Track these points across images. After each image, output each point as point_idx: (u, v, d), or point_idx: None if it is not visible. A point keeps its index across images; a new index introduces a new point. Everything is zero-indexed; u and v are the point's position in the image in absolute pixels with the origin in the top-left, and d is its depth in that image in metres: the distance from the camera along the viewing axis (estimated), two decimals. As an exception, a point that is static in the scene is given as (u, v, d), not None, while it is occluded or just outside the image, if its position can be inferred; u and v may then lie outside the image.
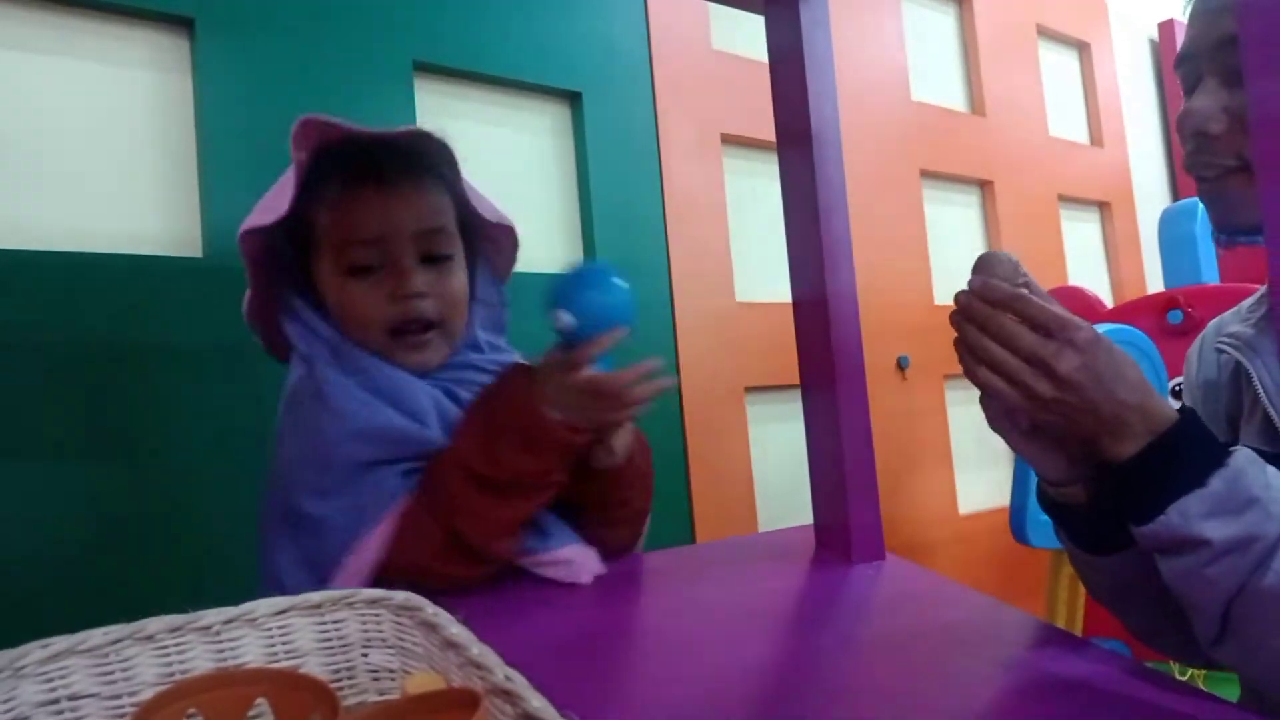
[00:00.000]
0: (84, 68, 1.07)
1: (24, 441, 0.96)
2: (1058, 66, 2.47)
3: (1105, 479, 0.67)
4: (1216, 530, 0.60)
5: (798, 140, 0.87)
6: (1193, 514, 0.60)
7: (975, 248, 2.19)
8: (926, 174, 2.06)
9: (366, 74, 1.26)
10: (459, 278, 0.85)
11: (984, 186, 2.20)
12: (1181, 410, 0.65)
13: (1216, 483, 0.61)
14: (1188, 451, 0.62)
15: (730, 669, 0.60)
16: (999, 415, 0.71)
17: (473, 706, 0.37)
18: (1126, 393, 0.63)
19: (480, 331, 0.90)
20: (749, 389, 1.62)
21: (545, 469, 0.75)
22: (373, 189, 0.80)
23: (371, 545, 0.73)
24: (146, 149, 1.11)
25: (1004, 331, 0.65)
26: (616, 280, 0.79)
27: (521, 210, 1.42)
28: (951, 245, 2.11)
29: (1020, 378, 0.64)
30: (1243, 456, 0.62)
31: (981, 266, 0.69)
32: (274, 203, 0.78)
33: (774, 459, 1.67)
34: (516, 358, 0.89)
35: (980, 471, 2.08)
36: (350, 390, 0.78)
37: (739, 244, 1.67)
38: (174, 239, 1.11)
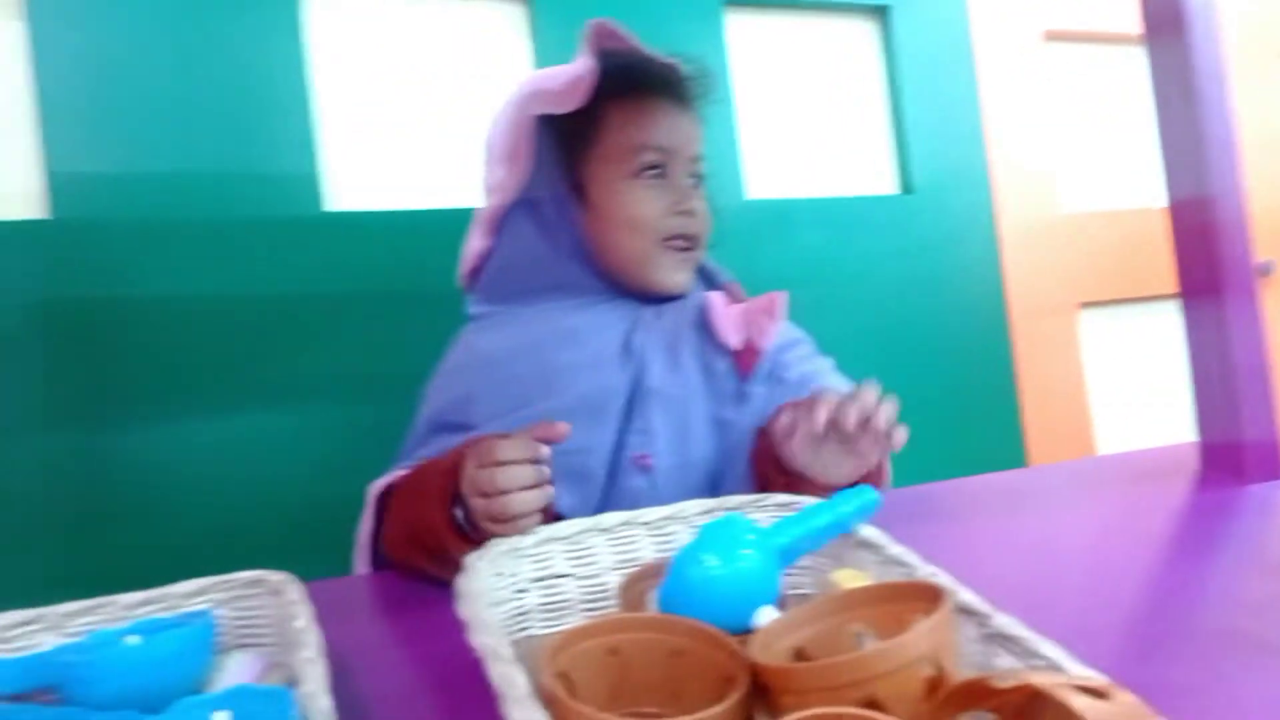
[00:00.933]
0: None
1: None
2: None
3: None
4: None
5: (1172, 28, 0.79)
6: None
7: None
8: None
9: (676, 13, 1.29)
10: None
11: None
12: None
13: None
14: None
15: (1123, 585, 0.59)
16: None
17: (932, 599, 0.39)
18: None
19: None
20: (1084, 304, 1.52)
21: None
22: (669, 104, 0.83)
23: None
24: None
25: None
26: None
27: (836, 132, 1.42)
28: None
29: None
30: None
31: None
32: (556, 98, 0.77)
33: (1111, 379, 1.55)
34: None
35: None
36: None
37: (1066, 151, 1.55)
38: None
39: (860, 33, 1.45)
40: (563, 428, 0.61)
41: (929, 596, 0.40)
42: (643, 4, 1.27)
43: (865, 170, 1.44)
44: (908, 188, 1.43)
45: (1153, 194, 1.02)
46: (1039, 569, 0.62)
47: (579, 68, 0.77)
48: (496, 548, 0.50)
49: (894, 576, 0.48)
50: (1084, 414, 1.50)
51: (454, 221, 0.92)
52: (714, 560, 0.43)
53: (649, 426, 0.79)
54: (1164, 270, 0.86)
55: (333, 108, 1.12)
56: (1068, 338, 1.50)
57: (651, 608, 0.45)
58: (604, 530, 0.53)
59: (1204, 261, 0.78)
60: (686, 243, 0.84)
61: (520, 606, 0.50)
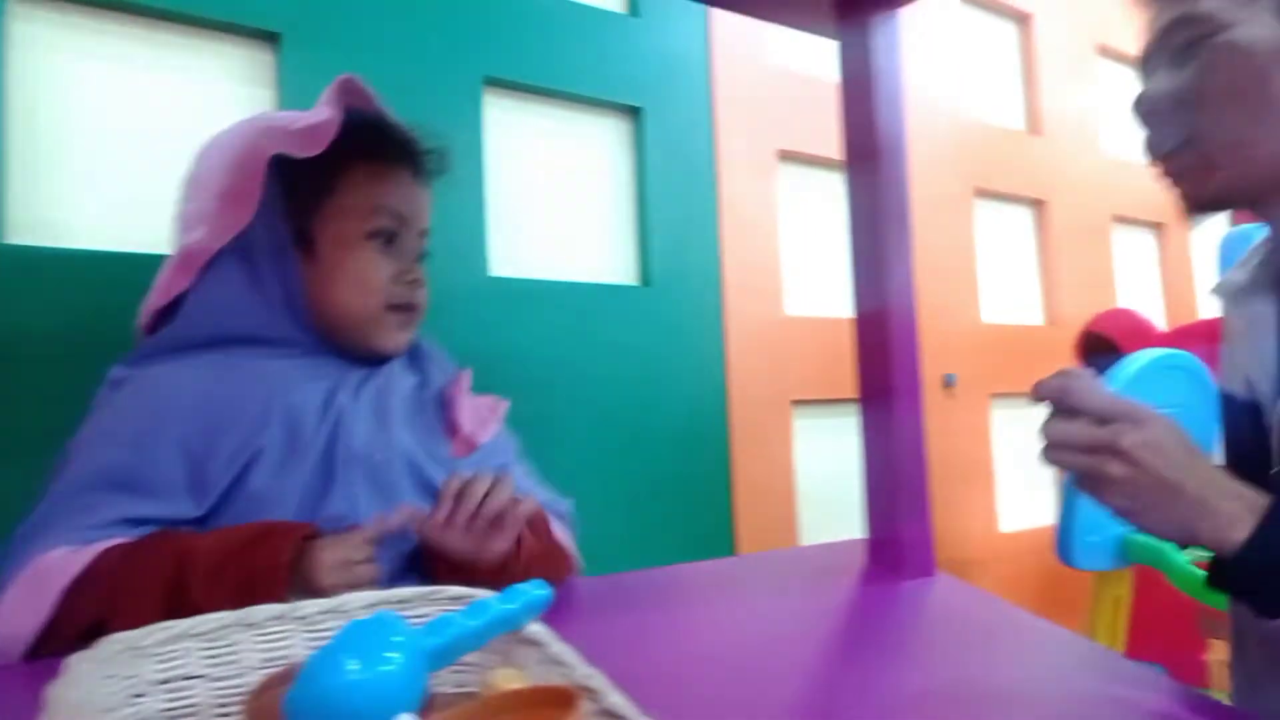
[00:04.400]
0: (172, 78, 1.11)
1: None
2: (1116, 85, 2.45)
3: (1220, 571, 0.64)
4: None
5: (865, 161, 0.89)
6: None
7: (1027, 267, 2.18)
8: (980, 192, 2.05)
9: (438, 89, 1.29)
10: None
11: (1037, 205, 2.20)
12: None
13: None
14: None
15: (786, 681, 0.62)
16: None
17: (568, 704, 0.39)
18: (1204, 469, 0.62)
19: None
20: (795, 402, 1.64)
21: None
22: (408, 173, 0.85)
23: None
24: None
25: (1066, 429, 0.64)
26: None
27: (582, 221, 1.46)
28: (1002, 264, 2.10)
29: (1092, 467, 0.63)
30: None
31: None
32: (297, 140, 0.76)
33: (816, 473, 1.68)
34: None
35: (1022, 491, 2.08)
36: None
37: (789, 259, 1.69)
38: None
39: (614, 129, 1.52)
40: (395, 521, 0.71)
41: (566, 701, 0.40)
42: (403, 72, 1.25)
43: (609, 260, 1.49)
44: (646, 280, 1.49)
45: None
46: (696, 662, 0.64)
47: (321, 115, 0.76)
48: (111, 645, 0.44)
49: (553, 677, 0.48)
50: (791, 507, 1.60)
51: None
52: (353, 664, 0.40)
53: (351, 492, 0.76)
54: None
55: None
56: (781, 433, 1.61)
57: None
58: (250, 625, 0.49)
59: (879, 369, 0.86)
60: (409, 311, 0.85)
61: (135, 714, 0.45)
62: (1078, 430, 0.63)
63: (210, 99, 1.13)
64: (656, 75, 1.52)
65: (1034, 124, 2.21)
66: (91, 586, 0.63)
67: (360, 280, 0.81)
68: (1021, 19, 2.24)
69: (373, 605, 0.51)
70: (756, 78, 1.65)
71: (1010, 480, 2.04)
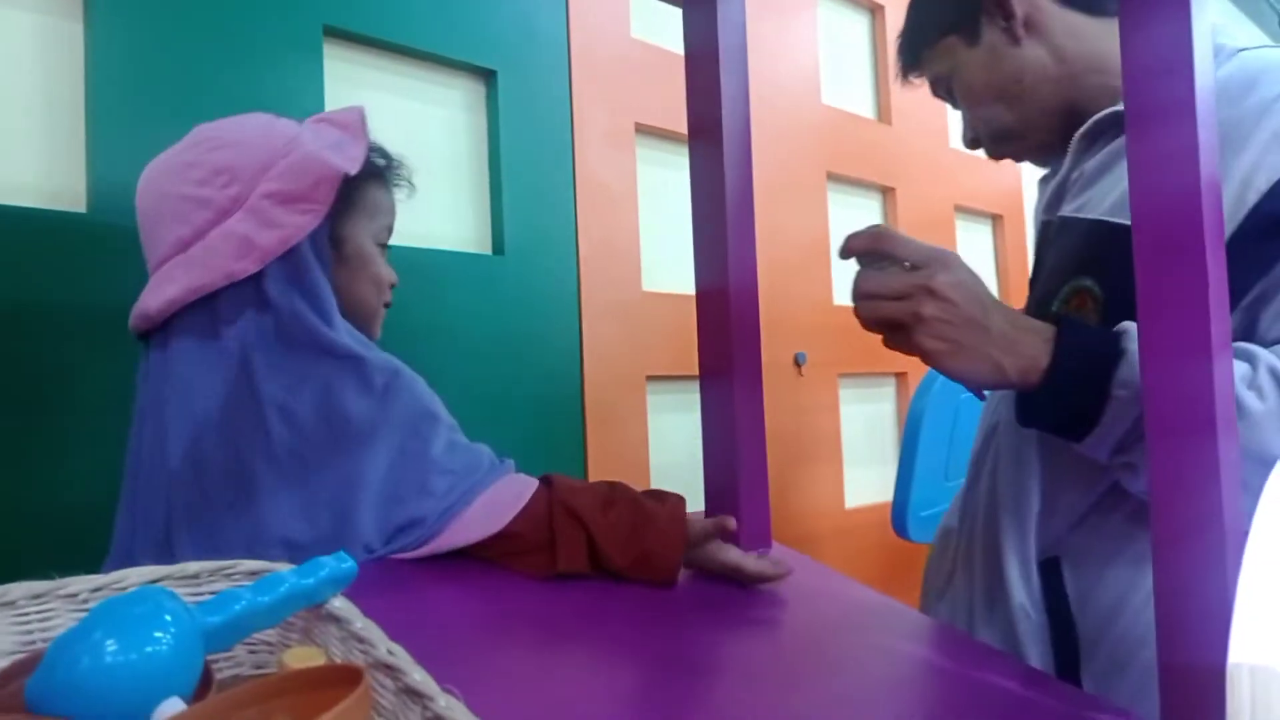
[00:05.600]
0: (-39, 3, 1.00)
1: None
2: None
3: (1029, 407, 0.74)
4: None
5: (708, 134, 0.88)
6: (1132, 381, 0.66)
7: (875, 251, 2.26)
8: (832, 176, 2.11)
9: (275, 35, 1.21)
10: None
11: (886, 192, 2.28)
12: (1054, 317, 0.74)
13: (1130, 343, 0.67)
14: (1094, 336, 0.71)
15: (612, 650, 0.61)
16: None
17: (354, 682, 0.36)
18: (1004, 308, 0.71)
19: None
20: (650, 378, 1.64)
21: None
22: (393, 192, 1.02)
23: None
24: (31, 96, 1.05)
25: (881, 276, 0.70)
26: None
27: (431, 186, 1.40)
28: (853, 247, 2.17)
29: (905, 311, 0.68)
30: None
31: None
32: (347, 161, 0.88)
33: (671, 448, 1.69)
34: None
35: (868, 468, 2.16)
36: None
37: (648, 234, 1.68)
38: (56, 192, 1.06)
39: (467, 91, 1.47)
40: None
41: (353, 680, 0.37)
42: (236, 17, 1.17)
43: (459, 228, 1.45)
44: (499, 249, 1.45)
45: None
46: (509, 636, 0.63)
47: (353, 140, 0.91)
48: None
49: (355, 655, 0.45)
50: (645, 481, 1.60)
51: None
52: (111, 644, 0.36)
53: None
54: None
55: None
56: (637, 408, 1.61)
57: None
58: (7, 605, 0.44)
59: (719, 346, 0.87)
60: (387, 305, 1.02)
61: None
62: (892, 276, 0.69)
63: (9, 32, 1.03)
64: (512, 38, 1.48)
65: (884, 113, 2.29)
66: (534, 509, 0.79)
67: (376, 279, 0.97)
68: (874, 10, 2.31)
69: (154, 580, 0.47)
70: (615, 48, 1.63)
71: (858, 457, 2.12)
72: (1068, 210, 0.88)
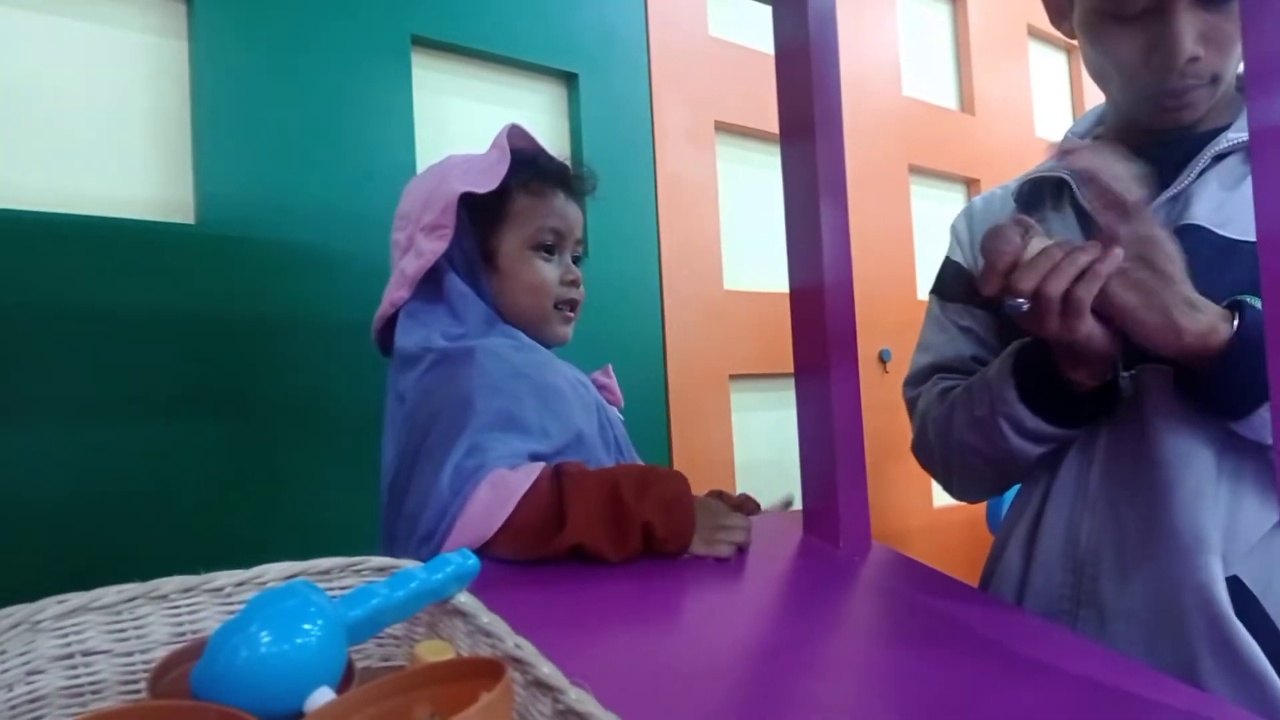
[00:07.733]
0: (80, 28, 1.06)
1: None
2: (1046, 67, 2.50)
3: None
4: None
5: (801, 132, 0.88)
6: None
7: (959, 244, 2.21)
8: (915, 169, 2.07)
9: (365, 47, 1.25)
10: None
11: (970, 184, 2.23)
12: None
13: None
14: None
15: (722, 651, 0.62)
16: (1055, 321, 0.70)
17: (491, 675, 0.37)
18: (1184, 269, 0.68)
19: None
20: (733, 376, 1.63)
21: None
22: (564, 194, 1.03)
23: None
24: (141, 113, 1.10)
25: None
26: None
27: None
28: (936, 242, 2.13)
29: (1112, 225, 0.67)
30: None
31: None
32: (479, 179, 0.94)
33: (754, 446, 1.68)
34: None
35: (955, 465, 2.11)
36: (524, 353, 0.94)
37: (728, 232, 1.68)
38: (166, 204, 1.10)
39: (549, 95, 1.49)
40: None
41: (493, 673, 0.38)
42: (328, 28, 1.21)
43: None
44: (585, 251, 1.47)
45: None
46: (630, 633, 0.63)
47: (495, 157, 0.97)
48: (3, 620, 0.41)
49: (481, 648, 0.46)
50: (730, 481, 1.60)
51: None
52: (266, 636, 0.38)
53: (623, 454, 1.00)
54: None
55: None
56: (720, 407, 1.61)
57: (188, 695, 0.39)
58: (160, 598, 0.46)
59: (815, 343, 0.86)
60: (572, 308, 1.04)
61: (32, 692, 0.42)
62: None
63: (120, 50, 1.09)
64: (593, 41, 1.49)
65: (967, 104, 2.24)
66: (537, 495, 0.77)
67: (533, 284, 0.99)
68: (954, 0, 2.26)
69: (290, 576, 0.49)
70: (695, 47, 1.64)
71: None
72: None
